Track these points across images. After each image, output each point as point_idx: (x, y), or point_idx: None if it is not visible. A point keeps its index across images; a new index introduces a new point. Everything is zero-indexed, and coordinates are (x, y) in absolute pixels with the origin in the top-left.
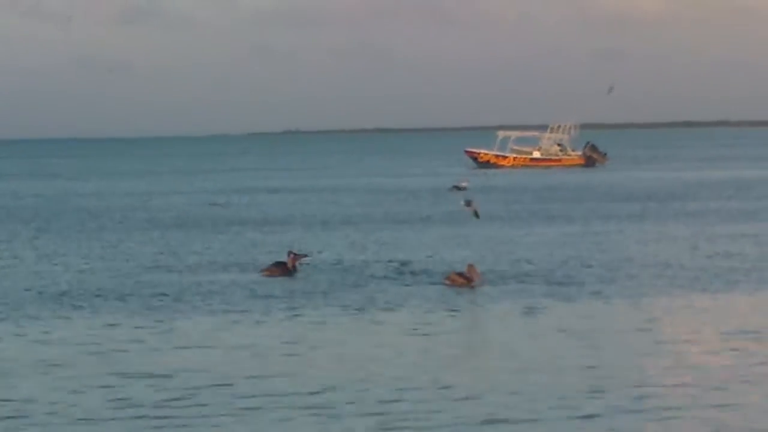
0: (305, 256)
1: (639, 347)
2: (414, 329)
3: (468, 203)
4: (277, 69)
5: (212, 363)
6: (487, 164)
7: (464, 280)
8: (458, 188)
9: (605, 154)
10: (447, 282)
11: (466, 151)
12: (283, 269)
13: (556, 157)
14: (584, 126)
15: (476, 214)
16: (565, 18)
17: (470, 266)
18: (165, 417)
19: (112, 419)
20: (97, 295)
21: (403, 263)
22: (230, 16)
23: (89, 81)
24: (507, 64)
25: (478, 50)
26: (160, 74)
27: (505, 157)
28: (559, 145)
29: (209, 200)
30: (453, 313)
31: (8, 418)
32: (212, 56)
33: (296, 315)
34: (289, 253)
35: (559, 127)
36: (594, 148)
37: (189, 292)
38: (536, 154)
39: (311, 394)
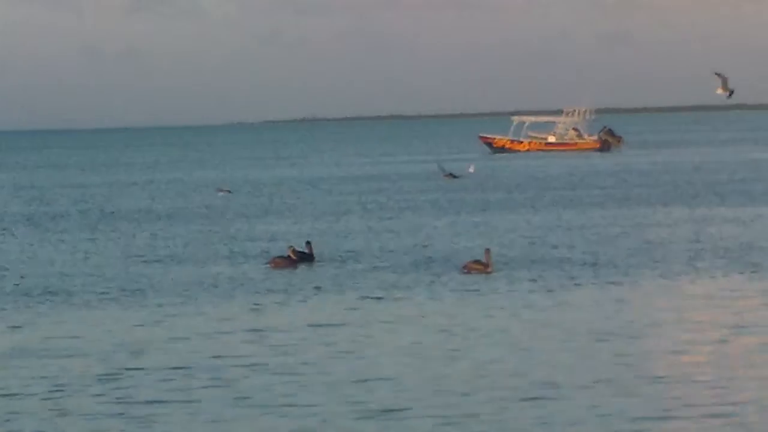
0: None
1: (669, 334)
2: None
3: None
4: (290, 56)
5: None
6: (502, 149)
7: (481, 266)
8: (453, 176)
9: (621, 137)
10: (464, 270)
11: (481, 137)
12: (288, 261)
13: (572, 142)
14: (599, 110)
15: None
16: (573, 0)
17: (487, 252)
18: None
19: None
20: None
21: (419, 251)
22: (239, 3)
23: (98, 70)
24: (518, 49)
25: (489, 35)
26: (171, 62)
27: (520, 142)
28: (574, 129)
29: (216, 187)
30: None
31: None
32: (223, 44)
33: (305, 306)
34: (289, 246)
35: (574, 111)
36: (610, 132)
37: (196, 285)
38: (551, 139)
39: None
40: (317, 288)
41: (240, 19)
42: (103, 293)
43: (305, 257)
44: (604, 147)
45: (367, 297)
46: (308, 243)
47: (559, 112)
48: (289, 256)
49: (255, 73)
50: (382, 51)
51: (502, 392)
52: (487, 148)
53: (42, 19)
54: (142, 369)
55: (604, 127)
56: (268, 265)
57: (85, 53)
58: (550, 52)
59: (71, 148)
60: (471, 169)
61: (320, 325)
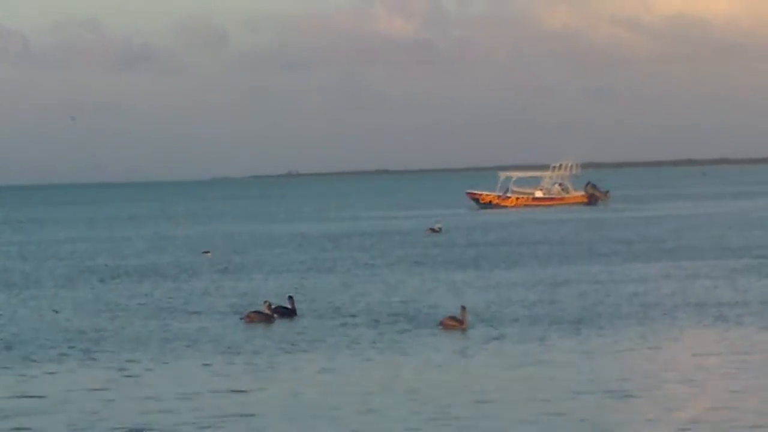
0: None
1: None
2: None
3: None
4: (273, 111)
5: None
6: (489, 205)
7: (456, 323)
8: (433, 230)
9: (607, 192)
10: (440, 327)
11: (468, 193)
12: (263, 317)
13: (559, 196)
14: (585, 165)
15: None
16: (556, 56)
17: (463, 309)
18: None
19: None
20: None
21: (396, 308)
22: (221, 59)
23: (80, 125)
24: (502, 103)
25: (471, 89)
26: (156, 119)
27: (507, 198)
28: (560, 184)
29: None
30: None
31: None
32: (207, 99)
33: (284, 361)
34: (265, 302)
35: (560, 166)
36: (594, 186)
37: (175, 337)
38: (538, 194)
39: None
40: (291, 344)
41: (223, 76)
42: (70, 348)
43: (287, 312)
44: (592, 201)
45: (340, 353)
46: (290, 298)
47: (545, 167)
48: (263, 312)
49: (240, 129)
50: (367, 106)
51: None
52: (474, 204)
53: (24, 75)
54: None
55: (588, 182)
56: (242, 320)
57: (67, 108)
58: (532, 106)
59: (57, 203)
60: (438, 226)
61: (294, 381)
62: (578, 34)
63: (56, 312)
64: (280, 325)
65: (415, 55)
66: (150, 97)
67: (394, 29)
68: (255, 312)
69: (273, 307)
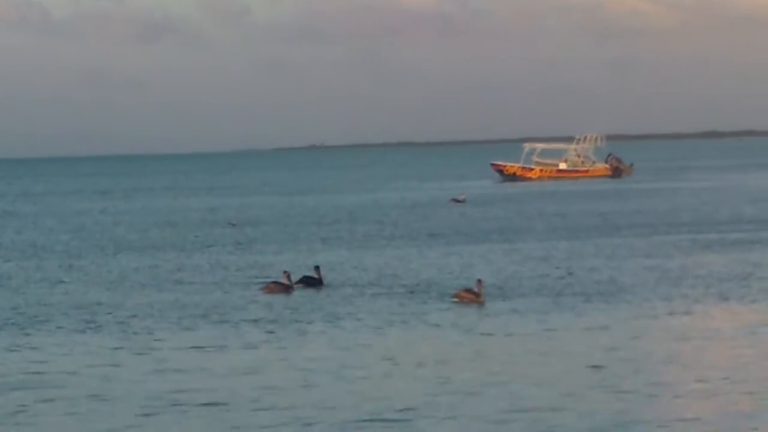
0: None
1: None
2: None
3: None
4: (295, 83)
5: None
6: (513, 177)
7: (473, 296)
8: (457, 201)
9: (632, 164)
10: (455, 299)
11: (492, 164)
12: (282, 287)
13: (584, 168)
14: (609, 137)
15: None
16: (579, 28)
17: (479, 282)
18: None
19: None
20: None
21: (414, 280)
22: (243, 31)
23: (101, 98)
24: (525, 76)
25: (495, 62)
26: (177, 91)
27: (531, 170)
28: (584, 156)
29: (228, 219)
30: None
31: None
32: (228, 71)
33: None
34: (284, 272)
35: (585, 138)
36: (618, 159)
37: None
38: (563, 166)
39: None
40: (314, 313)
41: (245, 48)
42: (86, 320)
43: (314, 282)
44: (616, 174)
45: (361, 325)
46: (317, 268)
47: (569, 139)
48: (283, 282)
49: (261, 101)
50: (391, 78)
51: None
52: (498, 175)
53: (45, 47)
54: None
55: (610, 154)
56: (261, 291)
57: (89, 81)
58: (554, 78)
59: (79, 175)
60: (462, 197)
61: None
62: (600, 6)
63: (66, 283)
64: (302, 296)
65: (437, 27)
66: (171, 69)
67: (415, 1)
68: (274, 282)
69: (300, 277)
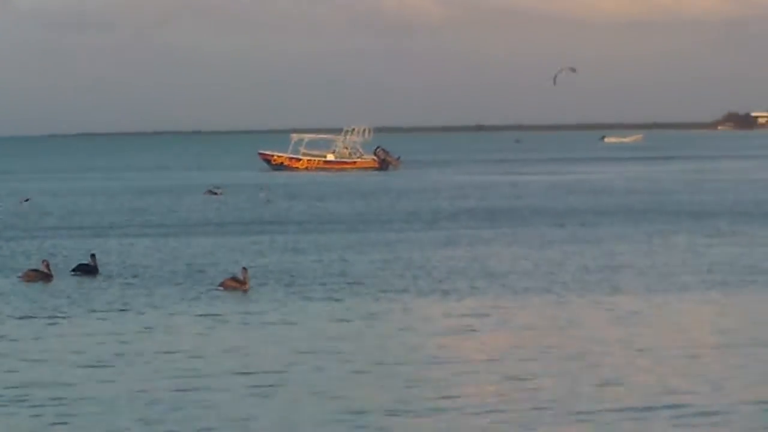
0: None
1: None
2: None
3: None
4: (64, 71)
5: None
6: (281, 166)
7: (238, 284)
8: (212, 193)
9: (399, 157)
10: (221, 288)
11: (260, 154)
12: (41, 275)
13: (351, 160)
14: (378, 129)
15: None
16: (349, 21)
17: (244, 270)
18: None
19: None
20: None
21: (182, 268)
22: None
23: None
24: (296, 67)
25: (267, 52)
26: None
27: (298, 160)
28: (352, 148)
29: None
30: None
31: None
32: None
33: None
34: (43, 261)
35: (353, 130)
36: (385, 151)
37: None
38: (330, 157)
39: None
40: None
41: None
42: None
43: (90, 269)
44: (383, 166)
45: (116, 310)
46: (92, 255)
47: (338, 131)
48: (41, 270)
49: (30, 88)
50: (161, 64)
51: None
52: (265, 165)
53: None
54: None
55: (378, 146)
56: (19, 279)
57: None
58: (327, 70)
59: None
60: (219, 191)
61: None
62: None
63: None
64: (63, 284)
65: (214, 15)
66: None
67: None
68: (33, 270)
69: (76, 265)
